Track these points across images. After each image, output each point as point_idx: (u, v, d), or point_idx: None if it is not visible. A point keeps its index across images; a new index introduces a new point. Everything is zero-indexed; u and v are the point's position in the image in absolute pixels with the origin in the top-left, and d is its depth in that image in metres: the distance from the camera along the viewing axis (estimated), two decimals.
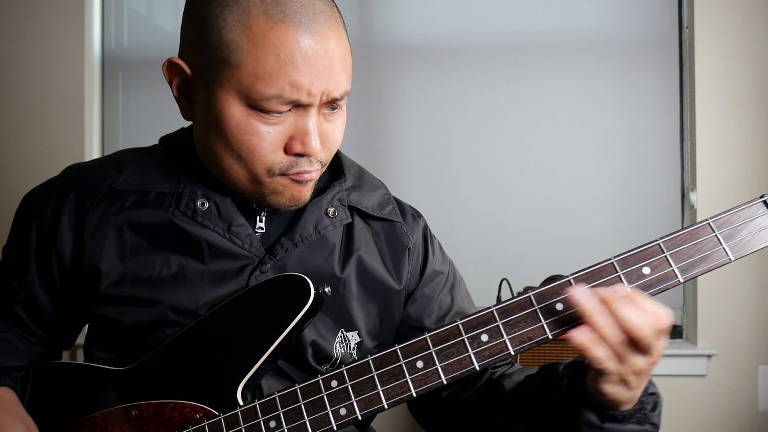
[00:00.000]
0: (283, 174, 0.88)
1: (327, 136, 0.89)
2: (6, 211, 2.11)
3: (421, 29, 2.30)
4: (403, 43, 2.31)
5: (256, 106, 0.83)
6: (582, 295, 0.74)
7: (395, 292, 1.03)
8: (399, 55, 2.30)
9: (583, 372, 0.81)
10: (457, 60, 2.28)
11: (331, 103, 0.87)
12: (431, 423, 1.08)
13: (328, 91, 0.84)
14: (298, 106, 0.84)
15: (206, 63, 0.84)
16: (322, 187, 1.01)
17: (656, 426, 0.82)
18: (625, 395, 0.77)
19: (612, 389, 0.76)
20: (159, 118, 2.29)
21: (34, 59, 2.31)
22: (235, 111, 0.84)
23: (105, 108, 2.39)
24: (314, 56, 0.81)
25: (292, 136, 0.86)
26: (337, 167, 1.05)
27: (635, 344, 0.73)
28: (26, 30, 2.31)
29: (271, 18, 0.80)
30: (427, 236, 1.09)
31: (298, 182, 0.89)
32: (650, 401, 0.81)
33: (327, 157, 0.91)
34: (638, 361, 0.74)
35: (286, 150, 0.87)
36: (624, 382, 0.75)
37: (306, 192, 0.92)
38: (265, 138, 0.85)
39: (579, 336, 0.73)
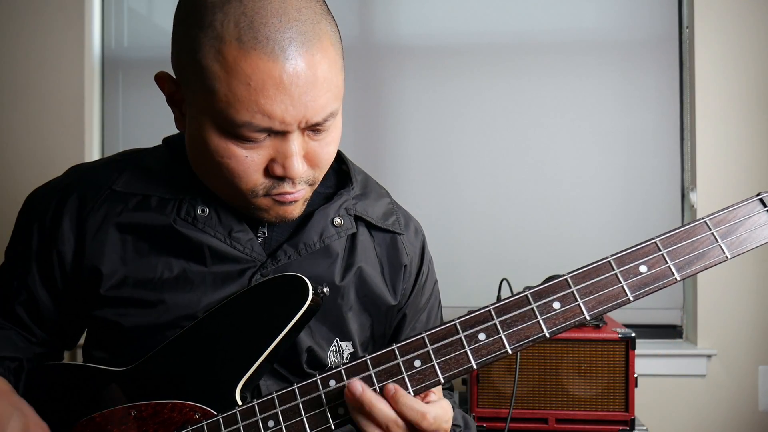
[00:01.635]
0: (266, 195, 0.86)
1: (315, 155, 0.85)
2: (5, 211, 2.12)
3: (421, 29, 2.30)
4: (403, 43, 2.31)
5: (230, 132, 0.81)
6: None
7: (390, 307, 1.02)
8: (399, 55, 2.30)
9: None
10: (457, 60, 2.27)
11: (313, 127, 0.83)
12: None
13: (306, 118, 0.80)
14: (274, 132, 0.81)
15: (187, 81, 0.83)
16: (329, 194, 1.00)
17: None
18: None
19: None
20: (159, 118, 2.28)
21: (34, 59, 2.30)
22: (212, 134, 0.82)
23: (105, 108, 2.38)
24: (289, 84, 0.77)
25: (273, 158, 0.83)
26: (343, 173, 1.04)
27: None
28: (26, 30, 2.30)
29: (243, 45, 0.76)
30: (423, 254, 1.09)
31: (282, 203, 0.88)
32: None
33: (317, 175, 0.88)
34: None
35: (268, 172, 0.84)
36: None
37: (293, 210, 0.90)
38: (243, 161, 0.82)
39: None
